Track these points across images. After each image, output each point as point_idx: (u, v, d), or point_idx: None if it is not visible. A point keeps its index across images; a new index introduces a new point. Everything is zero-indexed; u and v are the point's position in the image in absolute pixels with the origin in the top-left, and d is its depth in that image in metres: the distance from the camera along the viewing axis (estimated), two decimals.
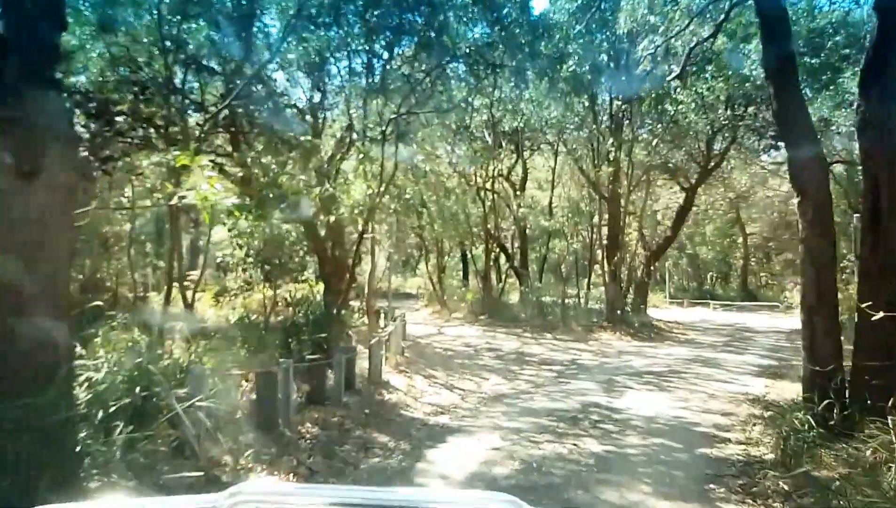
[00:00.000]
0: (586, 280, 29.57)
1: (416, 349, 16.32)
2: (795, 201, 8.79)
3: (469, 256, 30.59)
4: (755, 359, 17.27)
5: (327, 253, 17.78)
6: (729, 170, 29.05)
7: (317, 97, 17.09)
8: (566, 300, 25.60)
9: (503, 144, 24.89)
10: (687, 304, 38.44)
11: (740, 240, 43.16)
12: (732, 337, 23.07)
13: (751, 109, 23.81)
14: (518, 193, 25.87)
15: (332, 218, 17.78)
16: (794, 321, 31.26)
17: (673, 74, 15.28)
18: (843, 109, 17.20)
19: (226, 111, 14.24)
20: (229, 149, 16.13)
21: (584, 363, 15.73)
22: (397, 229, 35.18)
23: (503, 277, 28.17)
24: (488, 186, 25.86)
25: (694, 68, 17.69)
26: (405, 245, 40.98)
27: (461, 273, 32.64)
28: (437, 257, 28.73)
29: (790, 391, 12.61)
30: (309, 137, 16.05)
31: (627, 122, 22.96)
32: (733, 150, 26.60)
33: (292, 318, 14.10)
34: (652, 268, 27.57)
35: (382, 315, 17.75)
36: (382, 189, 14.74)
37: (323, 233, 18.56)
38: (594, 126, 22.46)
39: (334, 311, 15.96)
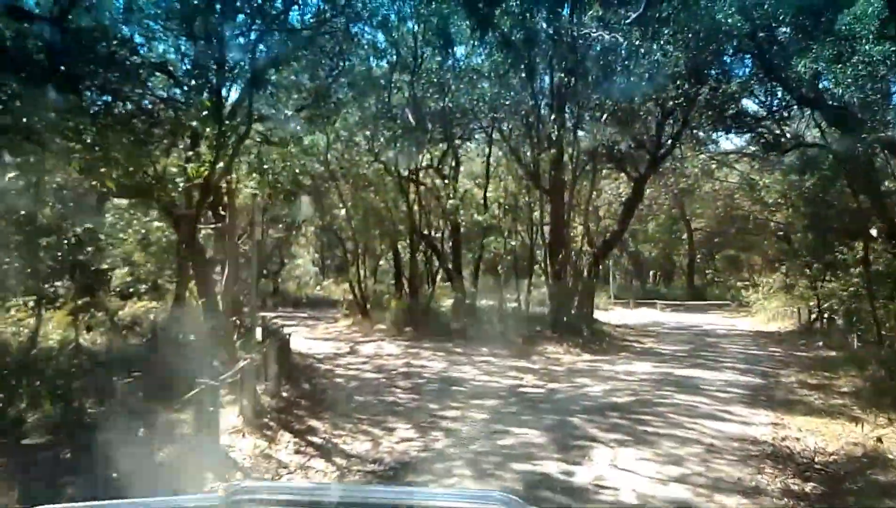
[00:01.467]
0: (527, 282, 25.73)
1: (308, 381, 11.98)
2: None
3: (403, 258, 26.34)
4: (736, 377, 13.51)
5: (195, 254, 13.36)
6: (680, 157, 25.48)
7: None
8: (505, 306, 21.62)
9: (430, 126, 20.69)
10: (633, 304, 35.02)
11: (684, 236, 40.08)
12: (695, 345, 19.41)
13: (707, 86, 20.49)
14: (447, 182, 21.71)
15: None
16: (750, 321, 28.05)
17: (633, 16, 11.39)
18: None
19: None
20: None
21: (527, 392, 11.64)
22: (320, 227, 30.79)
23: (434, 281, 24.00)
24: (415, 176, 21.69)
25: (657, 14, 13.88)
26: (331, 245, 36.64)
27: (395, 278, 28.36)
28: (357, 259, 24.30)
29: (812, 432, 8.78)
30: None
31: (572, 98, 19.02)
32: (685, 134, 23.09)
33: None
34: (598, 267, 23.81)
35: (259, 333, 13.24)
36: (228, 155, 10.28)
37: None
38: (534, 102, 18.46)
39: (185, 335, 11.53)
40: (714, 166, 31.52)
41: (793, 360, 16.31)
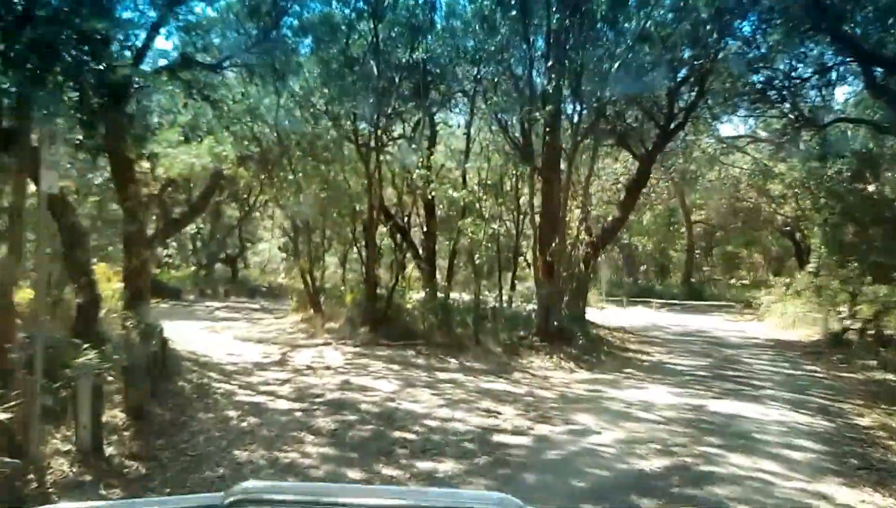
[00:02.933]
0: (511, 274, 21.76)
1: (178, 417, 7.90)
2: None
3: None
4: (792, 415, 9.55)
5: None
6: (692, 133, 21.48)
7: None
8: (484, 304, 17.53)
9: (398, 80, 16.49)
10: (626, 303, 31.10)
11: (683, 229, 36.18)
12: (712, 358, 15.49)
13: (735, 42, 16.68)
14: (415, 146, 17.50)
15: None
16: (761, 326, 24.05)
17: None
18: None
19: None
20: None
21: (504, 444, 7.59)
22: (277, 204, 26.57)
23: (401, 272, 19.90)
24: (379, 143, 17.48)
25: None
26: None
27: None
28: (309, 241, 20.04)
29: None
30: None
31: (571, 51, 14.87)
32: (702, 105, 19.14)
33: None
34: (597, 260, 19.86)
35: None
36: None
37: None
38: (526, 48, 14.36)
39: None
40: (720, 151, 27.61)
41: (846, 386, 12.44)
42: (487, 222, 16.54)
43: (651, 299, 31.83)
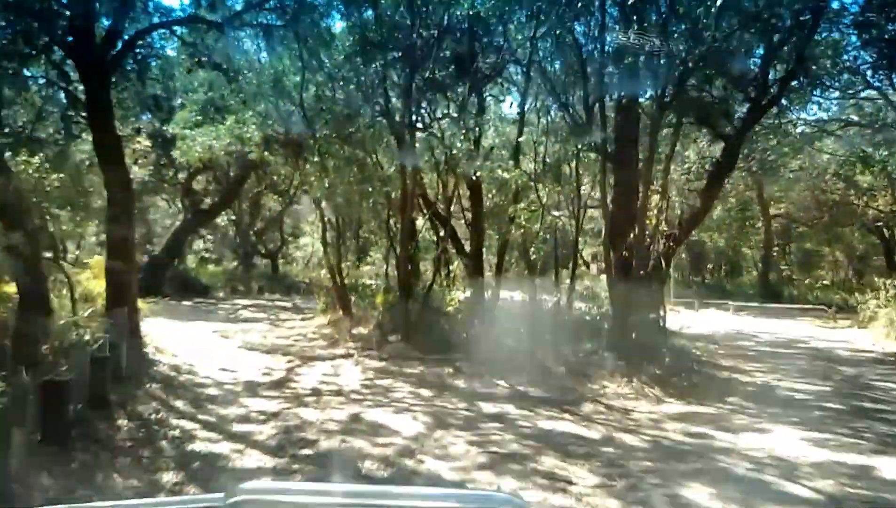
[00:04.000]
0: (570, 272, 18.50)
1: (77, 490, 5.07)
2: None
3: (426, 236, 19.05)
4: None
5: None
6: (787, 110, 17.73)
7: None
8: (540, 308, 14.36)
9: (437, 40, 13.43)
10: (698, 306, 27.35)
11: (759, 224, 31.99)
12: (830, 379, 11.92)
13: None
14: (466, 126, 14.20)
15: None
16: (864, 334, 19.54)
17: None
18: None
19: None
20: None
21: None
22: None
23: (445, 269, 16.91)
24: (417, 122, 14.50)
25: None
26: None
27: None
28: (338, 232, 17.15)
29: None
30: None
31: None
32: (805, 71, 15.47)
33: None
34: (677, 256, 16.46)
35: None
36: None
37: None
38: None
39: None
40: (809, 136, 23.60)
41: None
42: (545, 210, 13.39)
43: (726, 301, 27.97)
